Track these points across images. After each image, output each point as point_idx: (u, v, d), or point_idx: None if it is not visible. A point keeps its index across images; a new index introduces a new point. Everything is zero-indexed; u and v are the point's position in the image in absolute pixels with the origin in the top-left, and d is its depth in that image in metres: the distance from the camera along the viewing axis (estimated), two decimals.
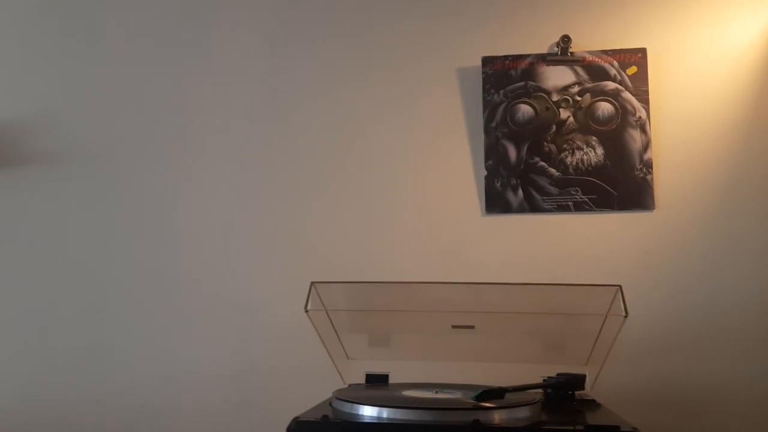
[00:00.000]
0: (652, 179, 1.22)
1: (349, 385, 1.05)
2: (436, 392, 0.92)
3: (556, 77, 1.26)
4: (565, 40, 1.26)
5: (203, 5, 1.38)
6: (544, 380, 0.96)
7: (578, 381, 0.95)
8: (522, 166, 1.25)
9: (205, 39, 1.37)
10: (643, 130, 1.23)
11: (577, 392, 0.96)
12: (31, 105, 1.40)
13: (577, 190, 1.23)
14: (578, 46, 1.26)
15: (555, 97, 1.26)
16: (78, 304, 1.33)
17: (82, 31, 1.41)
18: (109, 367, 1.31)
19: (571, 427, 0.76)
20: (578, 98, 1.25)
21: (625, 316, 0.92)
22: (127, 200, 1.35)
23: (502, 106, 1.27)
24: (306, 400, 0.92)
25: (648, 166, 1.22)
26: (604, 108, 1.25)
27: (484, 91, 1.28)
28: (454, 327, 1.01)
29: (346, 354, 1.08)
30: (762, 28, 1.23)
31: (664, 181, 1.22)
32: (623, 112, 1.24)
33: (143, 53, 1.39)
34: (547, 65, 1.27)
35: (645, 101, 1.23)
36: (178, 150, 1.35)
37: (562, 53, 1.26)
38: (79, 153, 1.37)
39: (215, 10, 1.38)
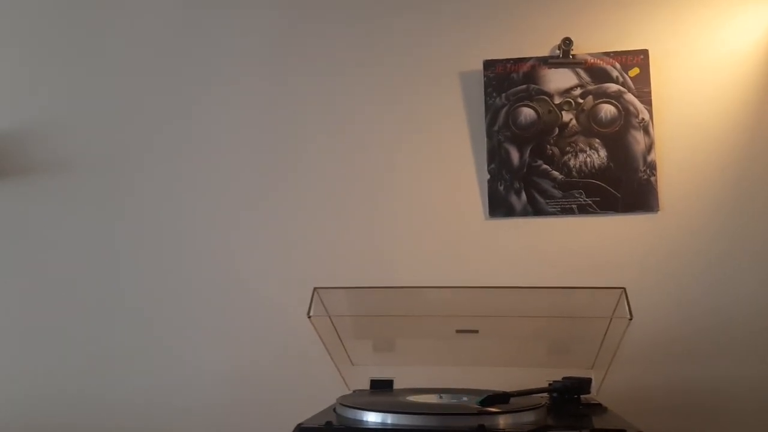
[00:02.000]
0: (655, 181, 1.21)
1: (354, 391, 1.04)
2: (441, 397, 0.92)
3: (558, 80, 1.26)
4: (567, 42, 1.25)
5: (205, 11, 1.38)
6: (549, 384, 0.95)
7: (584, 385, 0.94)
8: (525, 170, 1.25)
9: (207, 45, 1.37)
10: (646, 131, 1.23)
11: (583, 396, 0.95)
12: (33, 114, 1.40)
13: (580, 193, 1.23)
14: (580, 49, 1.26)
15: (557, 100, 1.25)
16: (81, 310, 1.33)
17: (84, 39, 1.41)
18: (112, 373, 1.30)
19: (578, 431, 0.76)
20: (580, 101, 1.25)
21: (630, 319, 0.91)
22: (130, 207, 1.35)
23: (504, 110, 1.27)
24: (310, 407, 0.92)
25: (652, 167, 1.22)
26: (607, 110, 1.24)
27: (486, 94, 1.27)
28: (458, 331, 1.01)
29: (350, 360, 1.07)
30: (765, 28, 1.23)
31: (668, 182, 1.21)
32: (626, 113, 1.23)
33: (145, 61, 1.39)
34: (549, 68, 1.26)
35: (648, 103, 1.23)
36: (180, 156, 1.35)
37: (564, 56, 1.26)
38: (82, 161, 1.37)
39: (218, 16, 1.38)
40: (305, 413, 0.87)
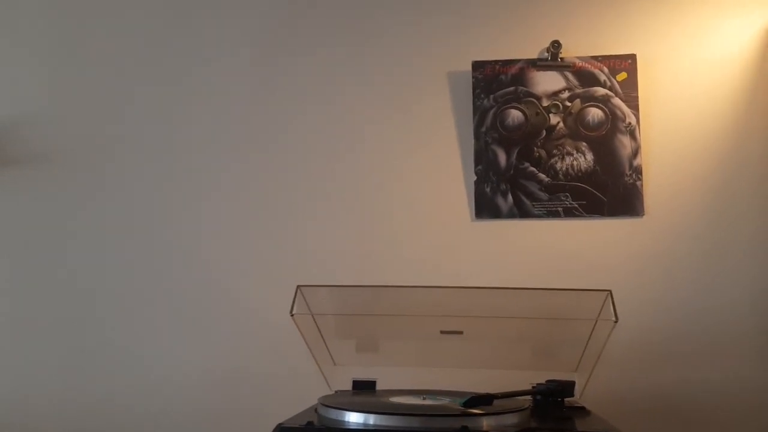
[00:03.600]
0: (641, 185, 1.21)
1: (336, 392, 1.03)
2: (424, 398, 0.91)
3: (547, 82, 1.26)
4: (556, 45, 1.25)
5: (195, 8, 1.37)
6: (533, 387, 0.95)
7: (567, 388, 0.94)
8: (512, 172, 1.25)
9: (197, 40, 1.36)
10: (632, 136, 1.23)
11: (566, 399, 0.95)
12: (16, 106, 1.38)
13: (566, 196, 1.23)
14: (568, 52, 1.26)
15: (545, 103, 1.25)
16: (64, 307, 1.31)
17: (70, 33, 1.39)
18: (96, 371, 1.28)
19: None
20: (568, 104, 1.25)
21: (615, 321, 0.91)
22: (115, 202, 1.33)
23: (492, 111, 1.26)
24: (291, 407, 0.90)
25: (637, 172, 1.22)
26: (594, 114, 1.24)
27: (474, 95, 1.27)
28: (442, 332, 1.00)
29: (332, 360, 1.06)
30: (751, 34, 1.24)
31: (653, 187, 1.22)
32: (613, 118, 1.24)
33: (132, 55, 1.37)
34: (538, 70, 1.26)
35: (635, 107, 1.23)
36: (167, 152, 1.33)
37: (553, 58, 1.26)
38: (67, 155, 1.35)
39: (207, 12, 1.36)
40: (286, 413, 0.85)
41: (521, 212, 1.23)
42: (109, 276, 1.31)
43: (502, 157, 1.25)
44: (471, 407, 0.82)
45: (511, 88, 1.26)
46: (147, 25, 1.38)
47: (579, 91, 1.25)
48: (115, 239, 1.32)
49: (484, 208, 1.24)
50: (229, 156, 1.32)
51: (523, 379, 0.96)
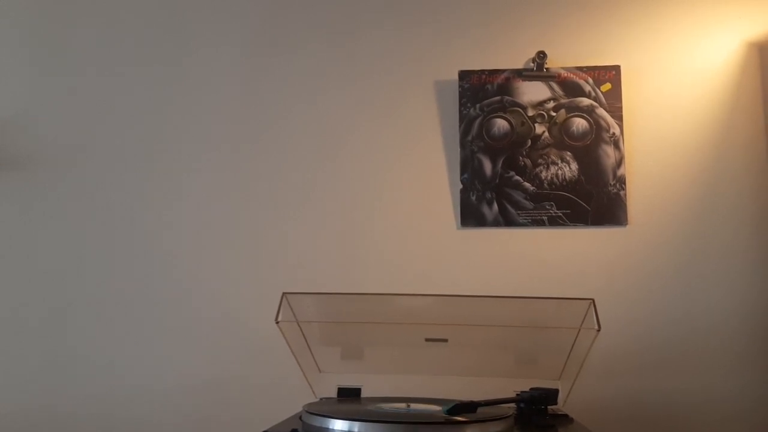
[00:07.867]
0: (625, 195, 1.23)
1: (321, 399, 1.03)
2: (409, 406, 0.91)
3: (532, 92, 1.27)
4: (541, 56, 1.27)
5: (182, 11, 1.37)
6: (516, 394, 0.95)
7: (551, 395, 0.95)
8: (497, 180, 1.25)
9: (183, 45, 1.36)
10: (616, 146, 1.24)
11: (549, 407, 0.95)
12: (1, 108, 1.37)
13: (551, 205, 1.24)
14: (554, 62, 1.27)
15: (530, 112, 1.27)
16: (43, 311, 1.30)
17: (56, 34, 1.39)
18: (75, 379, 1.27)
19: None
20: (553, 114, 1.26)
21: (598, 330, 0.92)
22: (97, 207, 1.32)
23: (478, 120, 1.27)
24: (276, 414, 0.90)
25: (621, 182, 1.23)
26: (579, 124, 1.26)
27: (461, 104, 1.28)
28: (427, 340, 1.00)
29: (317, 367, 1.06)
30: (733, 47, 1.26)
31: (637, 197, 1.23)
32: (597, 128, 1.25)
33: (119, 58, 1.37)
34: (523, 80, 1.28)
35: (619, 118, 1.25)
36: (152, 157, 1.33)
37: (538, 69, 1.27)
38: (50, 158, 1.34)
39: (194, 16, 1.36)
40: (270, 420, 0.85)
41: (506, 221, 1.24)
42: (88, 281, 1.30)
43: (487, 166, 1.26)
44: (455, 415, 0.82)
45: (497, 98, 1.27)
46: (130, 25, 1.37)
47: (564, 101, 1.26)
48: (95, 244, 1.31)
49: (470, 216, 1.25)
50: (213, 161, 1.32)
51: (507, 386, 0.96)
